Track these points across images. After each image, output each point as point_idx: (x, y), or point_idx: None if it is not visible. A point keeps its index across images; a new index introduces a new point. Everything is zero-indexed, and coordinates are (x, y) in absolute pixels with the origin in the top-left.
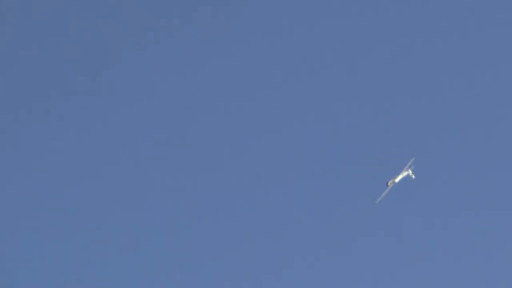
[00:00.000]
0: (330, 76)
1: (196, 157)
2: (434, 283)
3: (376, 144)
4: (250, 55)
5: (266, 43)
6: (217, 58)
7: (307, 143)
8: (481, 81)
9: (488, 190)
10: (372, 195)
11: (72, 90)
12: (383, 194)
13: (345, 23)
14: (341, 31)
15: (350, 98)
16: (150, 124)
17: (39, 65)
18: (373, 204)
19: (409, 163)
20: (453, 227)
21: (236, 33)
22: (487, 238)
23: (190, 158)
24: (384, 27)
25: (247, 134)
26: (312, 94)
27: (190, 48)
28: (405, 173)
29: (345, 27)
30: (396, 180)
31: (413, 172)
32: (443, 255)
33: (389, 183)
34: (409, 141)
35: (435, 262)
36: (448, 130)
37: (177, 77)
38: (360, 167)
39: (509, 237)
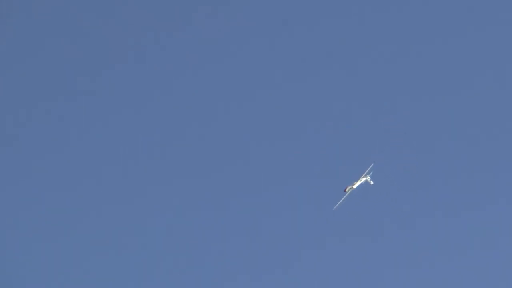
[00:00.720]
0: (330, 76)
1: (196, 157)
2: (434, 283)
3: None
4: (250, 55)
5: (266, 43)
6: (217, 58)
7: (307, 143)
8: (480, 82)
9: (488, 190)
10: (372, 194)
11: (72, 90)
12: (341, 200)
13: (345, 23)
14: (341, 31)
15: (350, 98)
16: (150, 124)
17: (39, 65)
18: (331, 211)
19: (368, 169)
20: (452, 227)
21: (236, 33)
22: (486, 238)
23: (190, 158)
24: (384, 27)
25: (247, 134)
26: (311, 94)
27: (190, 48)
28: (363, 179)
29: (345, 27)
30: (354, 186)
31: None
32: (442, 256)
33: (347, 189)
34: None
35: (434, 263)
36: (448, 130)
37: (177, 77)
38: (358, 167)
39: (509, 238)
